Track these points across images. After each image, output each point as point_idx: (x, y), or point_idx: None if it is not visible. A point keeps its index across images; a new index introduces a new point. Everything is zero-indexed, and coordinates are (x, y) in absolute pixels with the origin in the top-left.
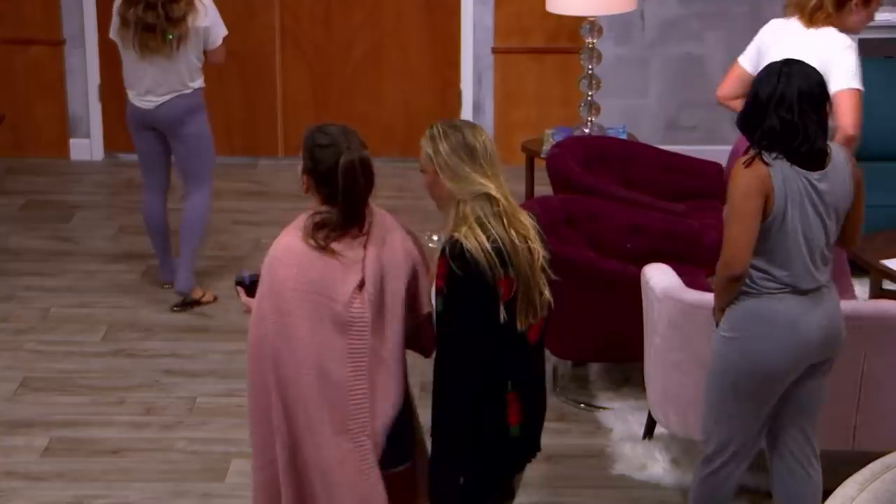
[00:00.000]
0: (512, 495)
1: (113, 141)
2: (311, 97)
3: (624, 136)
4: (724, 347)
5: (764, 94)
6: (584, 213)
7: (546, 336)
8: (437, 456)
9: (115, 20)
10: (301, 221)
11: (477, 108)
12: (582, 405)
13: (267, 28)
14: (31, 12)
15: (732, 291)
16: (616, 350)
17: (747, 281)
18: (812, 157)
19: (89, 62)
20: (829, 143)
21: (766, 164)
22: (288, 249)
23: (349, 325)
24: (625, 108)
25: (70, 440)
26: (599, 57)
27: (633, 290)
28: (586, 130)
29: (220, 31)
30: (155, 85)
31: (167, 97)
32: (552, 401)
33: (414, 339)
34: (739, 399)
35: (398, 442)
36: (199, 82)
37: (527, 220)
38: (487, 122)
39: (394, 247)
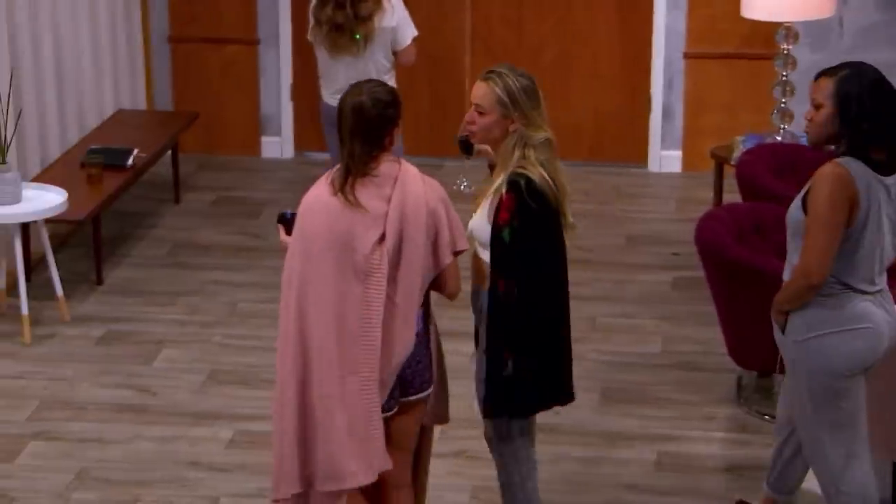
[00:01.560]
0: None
1: (303, 139)
2: None
3: None
4: (802, 352)
5: (853, 91)
6: (774, 222)
7: (730, 346)
8: (514, 377)
9: (310, 21)
10: (331, 174)
11: (666, 112)
12: (766, 417)
13: (457, 30)
14: (229, 12)
15: (807, 299)
16: None
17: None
18: (890, 160)
19: (283, 62)
20: None
21: (850, 171)
22: (318, 200)
23: (368, 275)
24: None
25: (254, 433)
26: (794, 63)
27: None
28: (778, 138)
29: (408, 32)
30: (346, 84)
31: None
32: (735, 411)
33: (437, 284)
34: (839, 401)
35: (414, 376)
36: (390, 83)
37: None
38: (677, 127)
39: (416, 202)
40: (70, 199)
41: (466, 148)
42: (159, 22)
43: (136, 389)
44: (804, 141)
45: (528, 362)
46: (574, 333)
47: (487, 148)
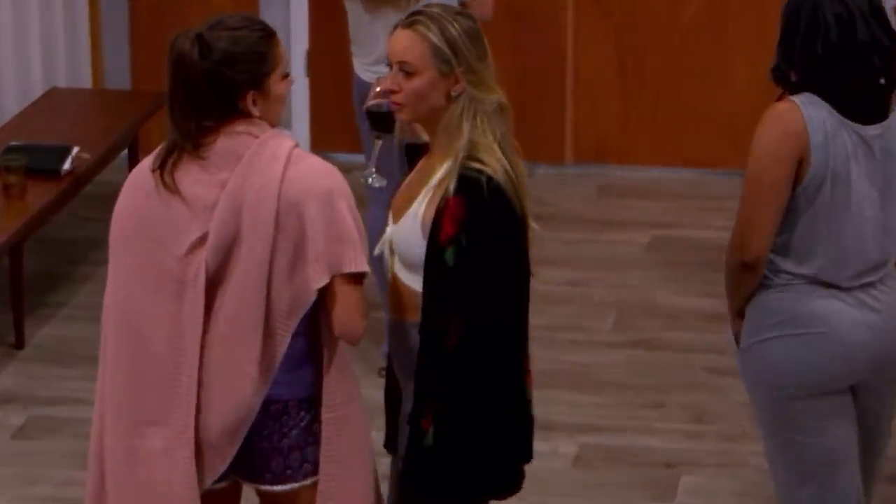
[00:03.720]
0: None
1: (324, 134)
2: (615, 77)
3: None
4: (745, 361)
5: (805, 11)
6: None
7: None
8: (445, 446)
9: None
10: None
11: None
12: None
13: None
14: None
15: (746, 285)
16: None
17: (766, 272)
18: (871, 102)
19: (294, 19)
20: None
21: (804, 114)
22: (136, 173)
23: (182, 286)
24: None
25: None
26: None
27: None
28: None
29: None
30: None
31: None
32: None
33: (326, 319)
34: (790, 431)
35: (271, 455)
36: None
37: None
38: None
39: (263, 190)
40: None
41: (383, 122)
42: None
43: None
44: None
45: (463, 431)
46: (729, 427)
47: (415, 125)
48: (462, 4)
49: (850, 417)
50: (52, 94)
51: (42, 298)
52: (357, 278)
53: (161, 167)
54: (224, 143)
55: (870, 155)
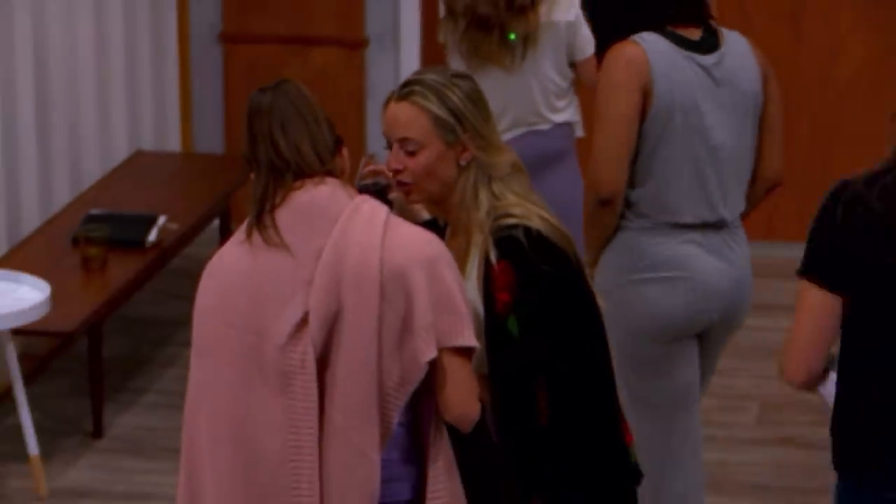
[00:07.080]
0: None
1: None
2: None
3: None
4: (606, 305)
5: None
6: None
7: None
8: None
9: (441, 10)
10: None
11: None
12: None
13: None
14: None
15: (604, 224)
16: None
17: (626, 212)
18: (702, 33)
19: (405, 75)
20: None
21: (644, 49)
22: (220, 258)
23: (288, 379)
24: None
25: None
26: None
27: None
28: None
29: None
30: (497, 113)
31: (513, 133)
32: None
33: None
34: (648, 373)
35: None
36: (566, 114)
37: None
38: None
39: (363, 257)
40: (54, 297)
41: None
42: (205, 11)
43: None
44: None
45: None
46: None
47: (413, 204)
48: (573, 65)
49: (696, 361)
50: (137, 158)
51: (123, 383)
52: (466, 353)
53: (258, 224)
54: (321, 192)
55: (714, 84)
